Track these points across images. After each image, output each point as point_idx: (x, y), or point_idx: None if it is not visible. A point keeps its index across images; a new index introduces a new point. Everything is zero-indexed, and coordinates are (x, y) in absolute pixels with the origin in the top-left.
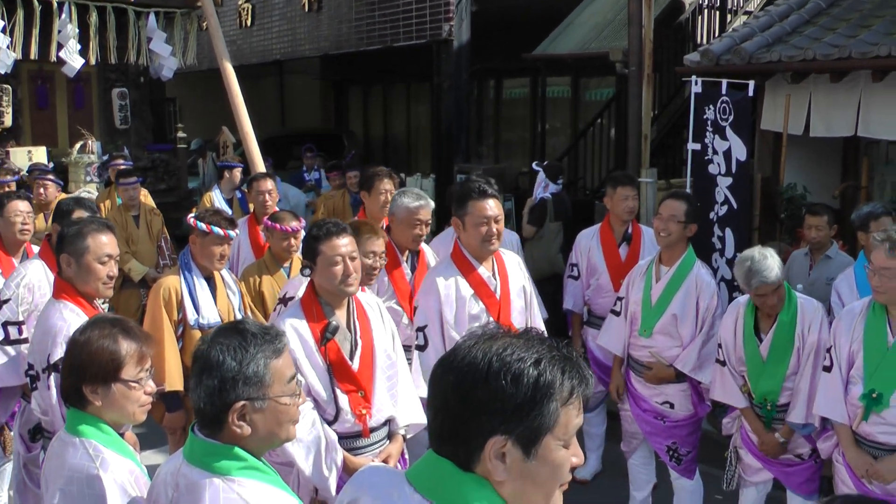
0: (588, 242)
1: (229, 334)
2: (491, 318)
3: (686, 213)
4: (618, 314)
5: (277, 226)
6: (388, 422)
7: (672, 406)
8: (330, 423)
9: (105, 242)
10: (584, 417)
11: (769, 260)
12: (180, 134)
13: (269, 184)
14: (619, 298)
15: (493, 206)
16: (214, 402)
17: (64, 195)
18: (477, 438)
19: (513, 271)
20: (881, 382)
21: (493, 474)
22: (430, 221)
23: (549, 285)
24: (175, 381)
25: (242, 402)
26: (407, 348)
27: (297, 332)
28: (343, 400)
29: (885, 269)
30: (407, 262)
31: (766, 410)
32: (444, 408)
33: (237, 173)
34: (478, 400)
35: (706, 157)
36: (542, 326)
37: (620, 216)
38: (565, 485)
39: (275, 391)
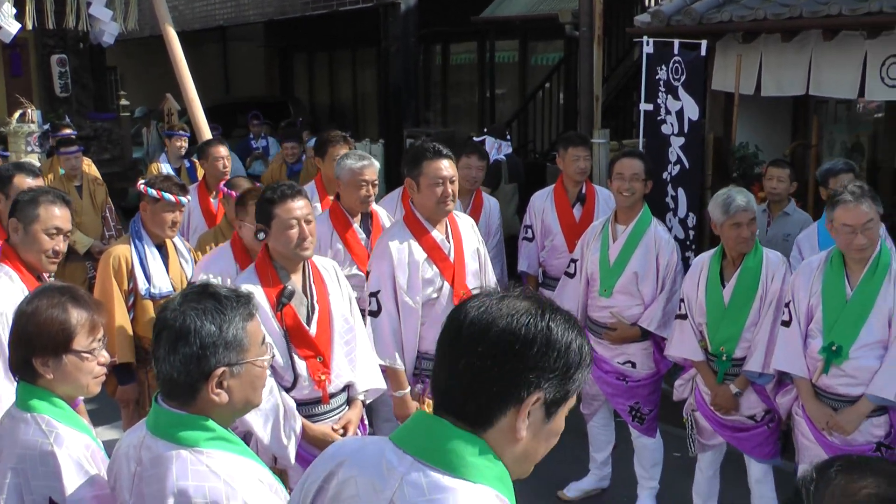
0: (542, 203)
1: (202, 298)
2: (445, 282)
3: (645, 171)
4: (572, 276)
5: (233, 192)
6: (347, 387)
7: (634, 365)
8: (287, 391)
9: (56, 215)
10: None
11: (744, 194)
12: (123, 102)
13: (224, 150)
14: (574, 260)
15: (447, 167)
16: (191, 371)
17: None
18: (516, 394)
19: (466, 234)
20: (840, 335)
21: (517, 431)
22: (376, 182)
23: (506, 248)
24: (126, 352)
25: (222, 369)
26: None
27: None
28: (301, 366)
29: (870, 220)
30: (361, 226)
31: (721, 362)
32: (475, 366)
33: (183, 142)
34: (532, 357)
35: (659, 118)
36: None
37: (573, 177)
38: None
39: (252, 354)
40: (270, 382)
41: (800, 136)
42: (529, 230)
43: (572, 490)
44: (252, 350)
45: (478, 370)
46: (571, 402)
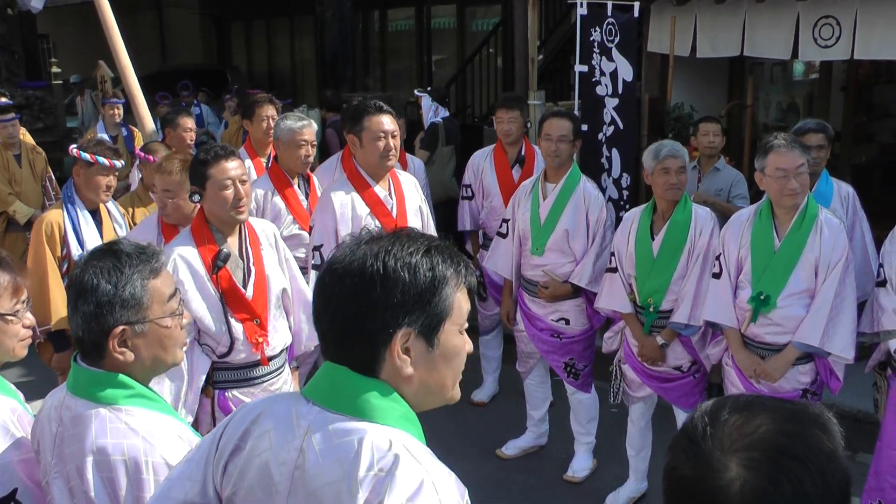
0: (481, 163)
1: (103, 256)
2: None
3: (573, 131)
4: (504, 236)
5: (151, 157)
6: (285, 350)
7: (568, 322)
8: (225, 356)
9: None
10: (481, 340)
11: (675, 143)
12: (55, 70)
13: (190, 121)
14: (505, 220)
15: (389, 122)
16: (92, 329)
17: None
18: (381, 336)
19: (409, 191)
20: (769, 284)
21: (401, 371)
22: (314, 142)
23: (443, 210)
24: (61, 319)
25: (122, 327)
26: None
27: (186, 261)
28: (238, 329)
29: (800, 165)
30: (300, 187)
31: (648, 314)
32: (341, 313)
33: (118, 109)
34: (378, 297)
35: (593, 79)
36: None
37: (501, 138)
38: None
39: (154, 313)
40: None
41: (735, 95)
42: (468, 189)
43: (510, 448)
44: (154, 308)
45: (342, 318)
46: (456, 319)
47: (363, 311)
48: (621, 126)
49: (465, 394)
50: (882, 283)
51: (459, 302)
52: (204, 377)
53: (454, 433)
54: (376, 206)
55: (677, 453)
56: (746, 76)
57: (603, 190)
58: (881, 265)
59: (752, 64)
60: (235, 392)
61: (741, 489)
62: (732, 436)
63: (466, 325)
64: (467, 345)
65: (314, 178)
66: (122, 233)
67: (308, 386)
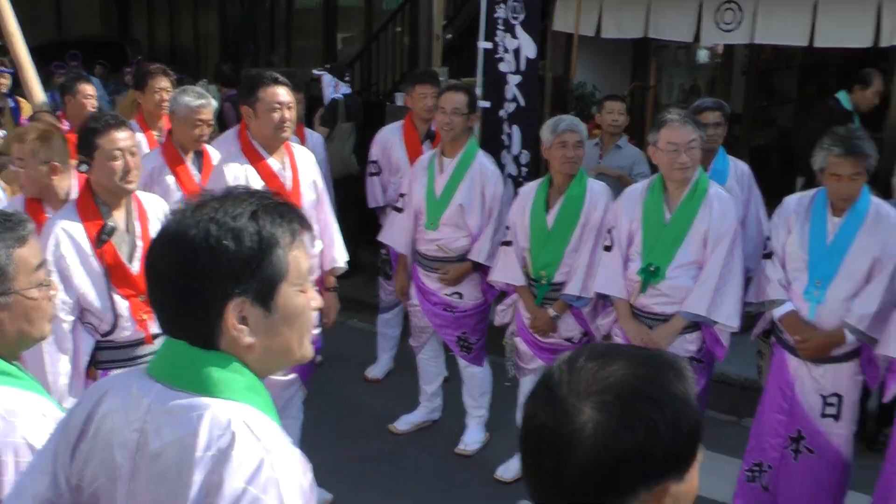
0: (390, 138)
1: None
2: None
3: (468, 104)
4: (400, 210)
5: None
6: None
7: (461, 296)
8: (108, 334)
9: None
10: (381, 319)
11: (574, 119)
12: None
13: (91, 89)
14: (402, 195)
15: (284, 93)
16: None
17: None
18: (213, 308)
19: (304, 165)
20: (658, 256)
21: (239, 341)
22: (212, 122)
23: (343, 186)
24: None
25: None
26: None
27: (69, 234)
28: (122, 306)
29: (691, 140)
30: (193, 163)
31: (540, 287)
32: (171, 284)
33: (6, 79)
34: (203, 268)
35: (497, 56)
36: (334, 222)
37: (420, 114)
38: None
39: (20, 283)
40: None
41: (639, 77)
42: (375, 165)
43: (402, 423)
44: (20, 279)
45: (172, 290)
46: (294, 279)
47: (191, 283)
48: (523, 103)
49: (359, 371)
50: (768, 256)
51: (297, 261)
52: (88, 358)
53: (347, 410)
54: (270, 178)
55: (535, 402)
56: (650, 58)
57: (503, 166)
58: (768, 238)
59: (656, 46)
60: (119, 372)
61: (594, 431)
62: (588, 381)
63: (311, 280)
64: (312, 302)
65: (209, 150)
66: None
67: (151, 362)
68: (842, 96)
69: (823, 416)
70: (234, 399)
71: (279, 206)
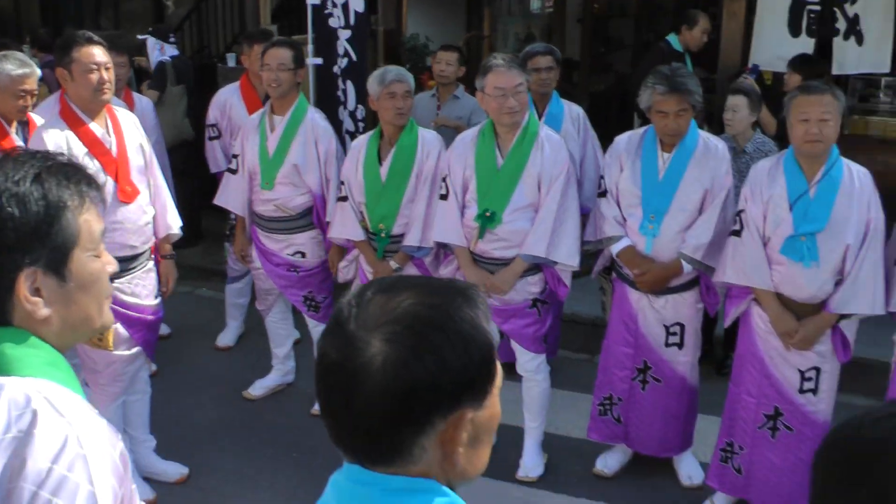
0: (228, 99)
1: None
2: (108, 177)
3: (293, 59)
4: (234, 172)
5: None
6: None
7: (304, 255)
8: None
9: None
10: (230, 289)
11: (402, 69)
12: None
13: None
14: (235, 155)
15: (100, 53)
16: None
17: None
18: (3, 282)
19: (128, 128)
20: (494, 201)
21: (35, 314)
22: (35, 91)
23: (179, 153)
24: None
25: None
26: None
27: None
28: None
29: (518, 84)
30: (18, 133)
31: (380, 239)
32: None
33: None
34: None
35: (326, 11)
36: (166, 188)
37: (258, 73)
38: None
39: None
40: None
41: (473, 27)
42: (213, 128)
43: (257, 388)
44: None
45: None
46: (87, 244)
47: None
48: (355, 58)
49: (210, 340)
50: (603, 194)
51: (89, 225)
52: None
53: (199, 380)
54: (94, 144)
55: (326, 339)
56: (484, 8)
57: (340, 123)
58: (602, 177)
59: None
60: None
61: (383, 364)
62: (376, 314)
63: (102, 246)
64: (108, 266)
65: (34, 118)
66: None
67: None
68: (672, 39)
69: (667, 345)
70: (32, 375)
71: (64, 167)
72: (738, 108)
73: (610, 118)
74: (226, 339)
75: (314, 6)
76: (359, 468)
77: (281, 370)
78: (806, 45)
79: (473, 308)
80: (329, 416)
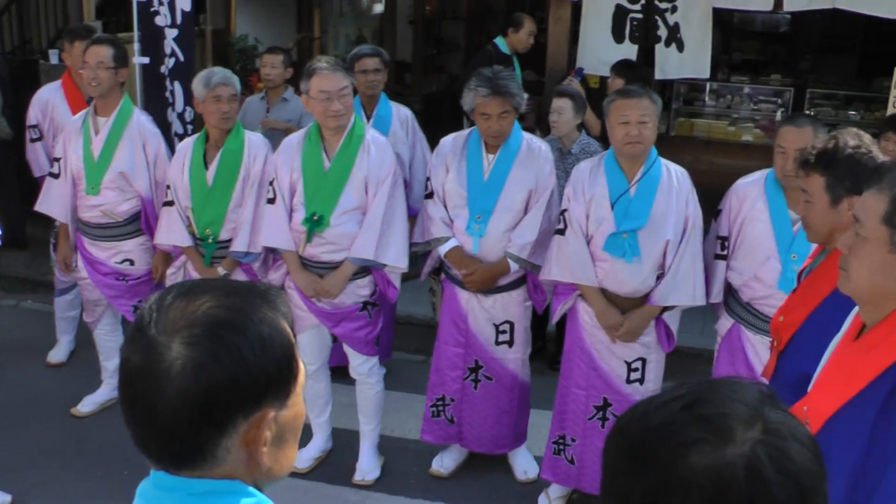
0: (50, 99)
1: None
2: None
3: (114, 58)
4: (56, 176)
5: None
6: None
7: (133, 263)
8: None
9: None
10: (59, 302)
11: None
12: None
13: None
14: (56, 159)
15: None
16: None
17: None
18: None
19: None
20: (321, 205)
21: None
22: None
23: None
24: None
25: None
26: None
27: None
28: None
29: (342, 88)
30: None
31: (207, 245)
32: None
33: None
34: None
35: (153, 9)
36: None
37: (80, 72)
38: None
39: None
40: None
41: (304, 28)
42: (35, 130)
43: (86, 405)
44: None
45: None
46: None
47: None
48: (182, 58)
49: (39, 355)
50: (430, 196)
51: None
52: None
53: (26, 398)
54: None
55: (127, 345)
56: (314, 9)
57: (169, 125)
58: (428, 179)
59: None
60: None
61: (182, 367)
62: (176, 318)
63: None
64: None
65: None
66: None
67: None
68: (499, 41)
69: (497, 343)
70: None
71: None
72: (562, 111)
73: (444, 118)
74: (58, 355)
75: (140, 3)
76: (164, 474)
77: (111, 384)
78: (629, 50)
79: (273, 309)
80: (133, 423)
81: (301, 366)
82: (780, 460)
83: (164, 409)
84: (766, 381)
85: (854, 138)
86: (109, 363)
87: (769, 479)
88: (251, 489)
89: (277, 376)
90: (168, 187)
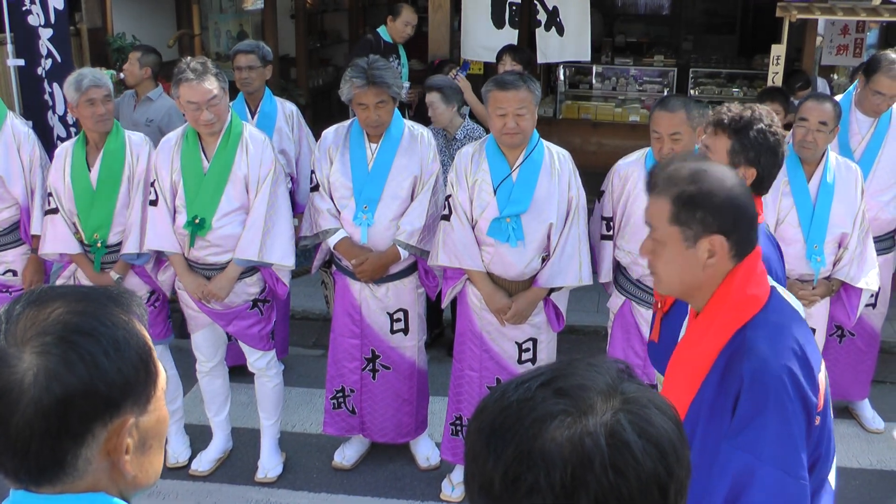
0: None
1: None
2: None
3: None
4: None
5: None
6: None
7: (15, 274)
8: None
9: None
10: None
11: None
12: None
13: None
14: None
15: None
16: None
17: None
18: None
19: None
20: (202, 208)
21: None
22: None
23: None
24: None
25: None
26: None
27: None
28: None
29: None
30: None
31: (96, 249)
32: None
33: None
34: None
35: (24, 8)
36: None
37: None
38: None
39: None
40: None
41: (184, 25)
42: None
43: None
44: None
45: None
46: None
47: None
48: (59, 59)
49: None
50: (316, 188)
51: None
52: None
53: None
54: None
55: None
56: (192, 5)
57: (50, 129)
58: (312, 171)
59: None
60: None
61: (35, 377)
62: (26, 327)
63: None
64: None
65: None
66: None
67: None
68: (382, 31)
69: (392, 332)
70: None
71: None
72: (433, 104)
73: (333, 110)
74: None
75: (10, 2)
76: (24, 493)
77: None
78: (510, 36)
79: (127, 312)
80: None
81: (161, 369)
82: (641, 426)
83: (17, 422)
84: (654, 343)
85: (768, 117)
86: None
87: (631, 444)
88: (116, 500)
89: (135, 381)
90: (50, 195)
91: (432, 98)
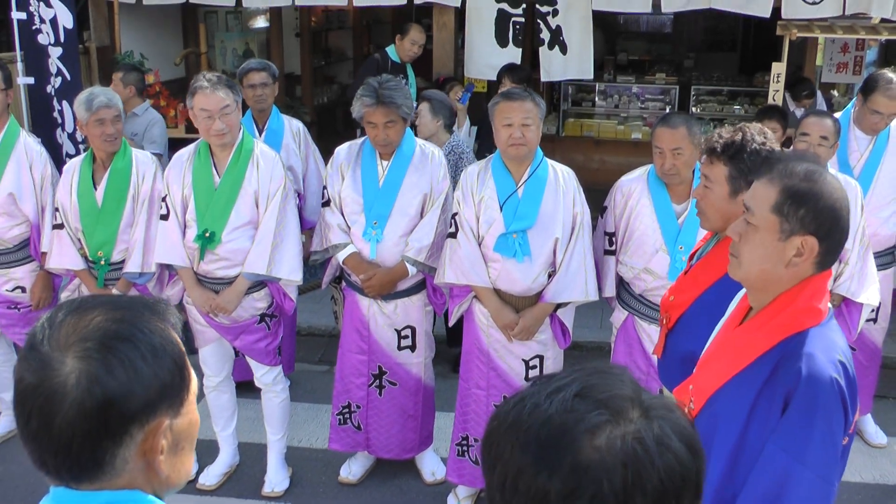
0: None
1: None
2: None
3: (3, 80)
4: None
5: None
6: None
7: (24, 290)
8: None
9: None
10: None
11: (108, 93)
12: None
13: None
14: None
15: None
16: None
17: None
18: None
19: None
20: (212, 221)
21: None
22: None
23: None
24: None
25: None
26: None
27: None
28: None
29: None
30: None
31: (100, 266)
32: None
33: None
34: None
35: (34, 27)
36: None
37: None
38: None
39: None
40: None
41: (191, 43)
42: None
43: None
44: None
45: None
46: None
47: None
48: (69, 77)
49: None
50: (327, 204)
51: None
52: None
53: None
54: None
55: (21, 363)
56: (199, 23)
57: (59, 146)
58: (325, 187)
59: (205, 12)
60: None
61: (77, 381)
62: (68, 333)
63: None
64: None
65: None
66: None
67: None
68: (390, 50)
69: (400, 348)
70: None
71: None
72: (420, 112)
73: (337, 127)
74: None
75: (20, 21)
76: (64, 490)
77: (10, 416)
78: (514, 54)
79: (161, 319)
80: (30, 440)
81: (193, 375)
82: (677, 429)
83: (60, 423)
84: (657, 358)
85: (760, 134)
86: (6, 394)
87: (674, 447)
88: (151, 498)
89: (170, 385)
90: (57, 210)
91: (421, 107)
